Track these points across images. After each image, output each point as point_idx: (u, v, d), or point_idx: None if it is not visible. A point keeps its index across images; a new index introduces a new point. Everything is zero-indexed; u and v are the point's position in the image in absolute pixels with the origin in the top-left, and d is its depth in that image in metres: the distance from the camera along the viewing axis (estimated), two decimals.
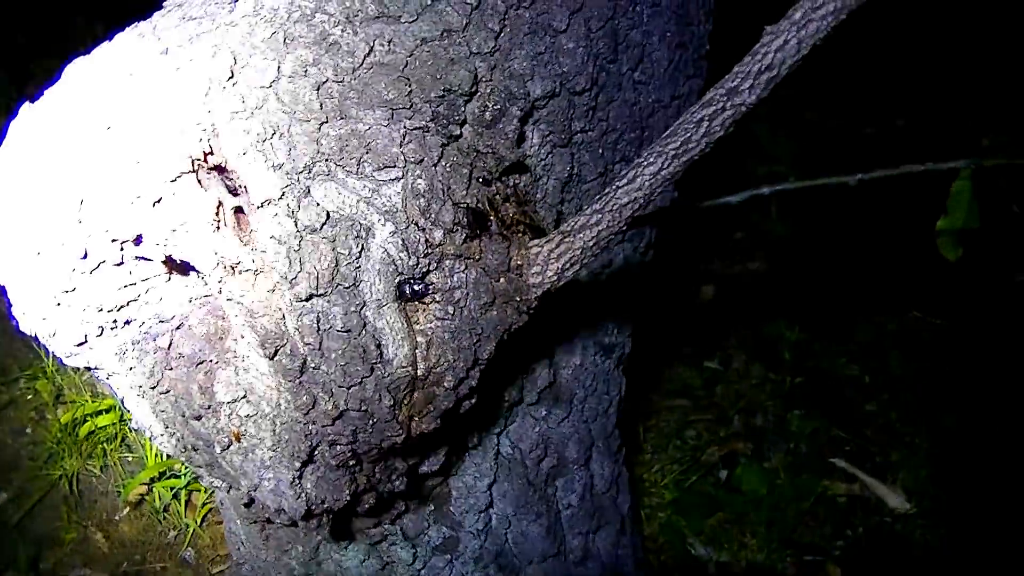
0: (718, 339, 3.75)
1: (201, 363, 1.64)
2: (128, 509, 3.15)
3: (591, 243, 1.52)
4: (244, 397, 1.60)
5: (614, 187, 1.46)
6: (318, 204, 1.44)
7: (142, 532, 3.08)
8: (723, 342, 3.77)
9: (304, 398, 1.52)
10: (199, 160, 1.45)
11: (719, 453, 3.48)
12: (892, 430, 3.54)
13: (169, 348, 1.65)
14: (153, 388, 1.67)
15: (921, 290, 3.82)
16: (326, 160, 1.46)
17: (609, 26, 1.82)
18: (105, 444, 3.22)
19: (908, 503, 3.43)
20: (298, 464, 1.57)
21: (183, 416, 1.67)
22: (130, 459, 3.26)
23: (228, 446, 1.65)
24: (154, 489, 3.13)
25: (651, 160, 1.40)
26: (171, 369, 1.65)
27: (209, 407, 1.64)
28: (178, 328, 1.65)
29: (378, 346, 1.50)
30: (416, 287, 1.52)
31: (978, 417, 3.51)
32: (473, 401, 1.69)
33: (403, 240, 1.48)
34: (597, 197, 1.50)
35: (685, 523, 3.15)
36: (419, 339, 1.55)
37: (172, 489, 3.10)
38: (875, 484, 3.50)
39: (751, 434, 3.52)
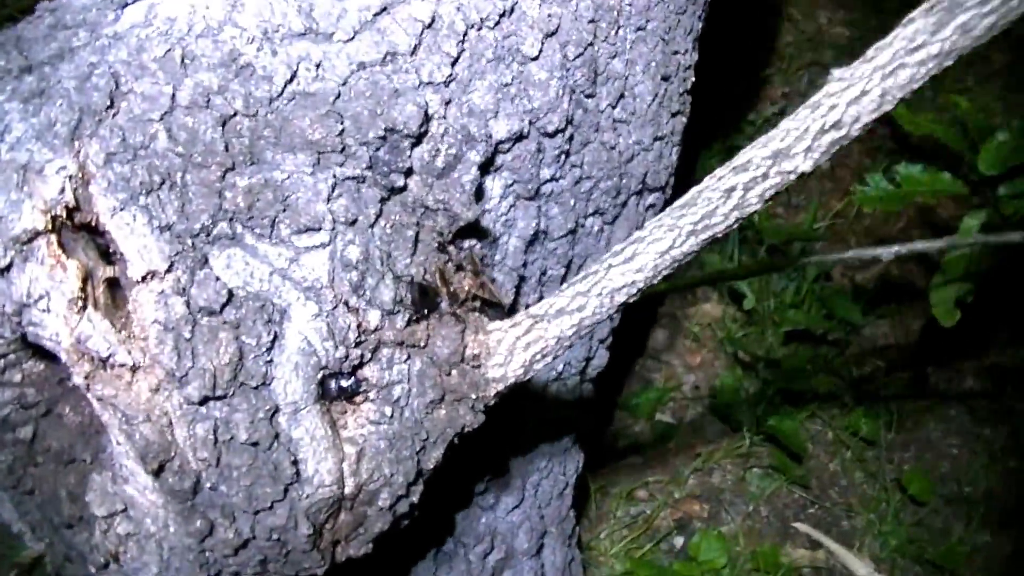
0: (670, 391, 3.44)
1: (72, 462, 1.29)
2: None
3: (570, 333, 1.19)
4: (124, 511, 1.24)
5: (604, 265, 1.14)
6: (218, 279, 1.10)
7: None
8: (676, 394, 3.46)
9: (199, 523, 1.17)
10: (61, 217, 1.09)
11: (673, 517, 3.18)
12: (858, 492, 3.25)
13: (33, 440, 1.29)
14: (14, 487, 1.31)
15: (888, 337, 3.56)
16: (231, 219, 1.13)
17: (588, 53, 1.50)
18: None
19: (877, 574, 3.16)
20: None
21: (52, 523, 1.32)
22: None
23: (105, 566, 1.29)
24: None
25: (658, 235, 1.07)
26: (36, 466, 1.30)
27: (81, 518, 1.28)
28: (45, 416, 1.29)
29: (294, 461, 1.16)
30: (344, 384, 1.19)
31: (951, 480, 3.24)
32: (416, 515, 1.35)
33: (328, 325, 1.15)
34: (581, 275, 1.18)
35: None
36: (347, 449, 1.21)
37: None
38: (841, 552, 3.25)
39: (707, 495, 3.22)
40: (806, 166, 0.97)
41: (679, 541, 3.11)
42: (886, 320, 3.56)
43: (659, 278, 1.11)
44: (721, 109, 3.82)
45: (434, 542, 1.80)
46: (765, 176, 0.99)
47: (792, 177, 0.98)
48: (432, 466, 1.29)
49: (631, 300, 1.15)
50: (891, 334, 3.56)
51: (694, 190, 1.05)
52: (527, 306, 1.52)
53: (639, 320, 3.53)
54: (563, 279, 1.69)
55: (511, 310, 1.55)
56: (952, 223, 3.62)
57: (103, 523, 1.26)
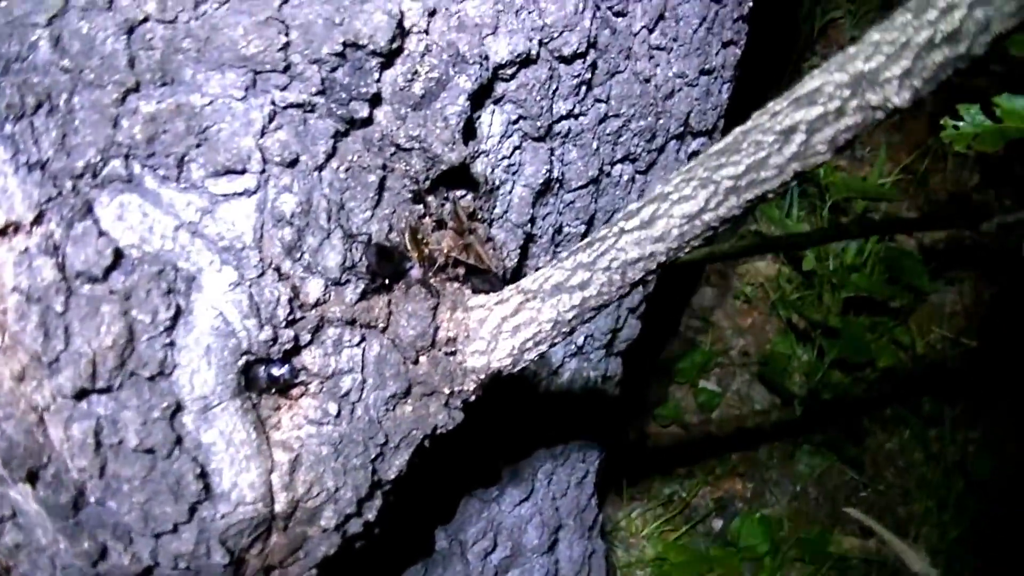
0: (716, 355, 3.15)
1: None
2: None
3: (570, 316, 0.90)
4: (12, 517, 0.98)
5: (615, 229, 0.84)
6: (103, 233, 0.83)
7: None
8: (722, 359, 3.17)
9: (86, 545, 0.91)
10: None
11: (712, 496, 2.93)
12: (916, 474, 2.95)
13: None
14: None
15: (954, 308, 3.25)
16: (126, 156, 0.85)
17: None
18: None
19: (933, 569, 2.90)
20: None
21: None
22: None
23: None
24: None
25: (686, 192, 0.78)
26: None
27: None
28: None
29: (201, 473, 0.88)
30: (276, 372, 0.91)
31: (1018, 467, 2.94)
32: (376, 532, 1.07)
33: (251, 297, 0.86)
34: (586, 242, 0.88)
35: None
36: (278, 456, 0.94)
37: None
38: (895, 542, 2.98)
39: (751, 472, 2.95)
40: (902, 98, 0.66)
41: (718, 524, 2.90)
42: (955, 286, 3.24)
43: (687, 249, 0.82)
44: (781, 49, 3.47)
45: (425, 541, 1.53)
46: (840, 113, 0.68)
47: (879, 116, 0.68)
48: (394, 476, 1.02)
49: (650, 277, 0.85)
50: (960, 301, 3.24)
51: (738, 130, 0.75)
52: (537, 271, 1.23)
53: (684, 273, 3.23)
54: (583, 238, 1.39)
55: (515, 278, 1.26)
56: None
57: None
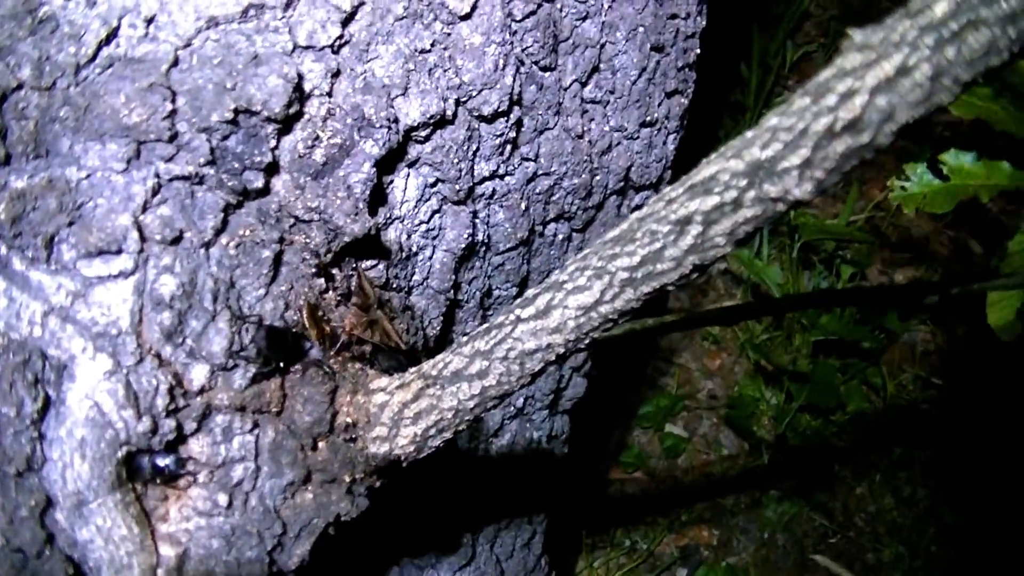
0: (683, 398, 3.09)
1: None
2: None
3: (471, 404, 0.84)
4: None
5: (512, 317, 0.79)
6: None
7: None
8: (689, 402, 3.11)
9: None
10: None
11: (677, 544, 2.87)
12: (887, 520, 2.92)
13: None
14: None
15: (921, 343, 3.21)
16: None
17: (544, 11, 1.14)
18: None
19: None
20: None
21: None
22: None
23: None
24: None
25: (580, 282, 0.72)
26: None
27: None
28: None
29: (74, 574, 0.82)
30: (160, 463, 0.85)
31: (990, 512, 2.89)
32: None
33: (127, 385, 0.80)
34: (484, 328, 0.82)
35: None
36: (165, 551, 0.87)
37: None
38: None
39: (717, 519, 2.90)
40: (803, 191, 0.61)
41: (682, 573, 2.83)
42: (927, 326, 3.20)
43: (587, 341, 0.76)
44: (741, 87, 3.44)
45: None
46: (737, 204, 0.63)
47: (779, 208, 0.62)
48: (296, 565, 0.95)
49: (551, 367, 0.80)
50: (932, 341, 3.21)
51: (634, 217, 0.69)
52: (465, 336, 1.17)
53: (649, 312, 3.18)
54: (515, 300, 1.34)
55: (439, 346, 1.20)
56: (1004, 219, 3.24)
57: None
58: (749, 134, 0.63)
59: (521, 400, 1.51)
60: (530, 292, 0.78)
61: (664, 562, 2.82)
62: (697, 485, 3.00)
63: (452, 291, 1.21)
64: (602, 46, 1.29)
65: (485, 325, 0.83)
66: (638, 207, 1.46)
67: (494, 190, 1.21)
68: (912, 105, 0.57)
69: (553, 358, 0.78)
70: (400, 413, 0.90)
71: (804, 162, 0.60)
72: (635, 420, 3.05)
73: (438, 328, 1.21)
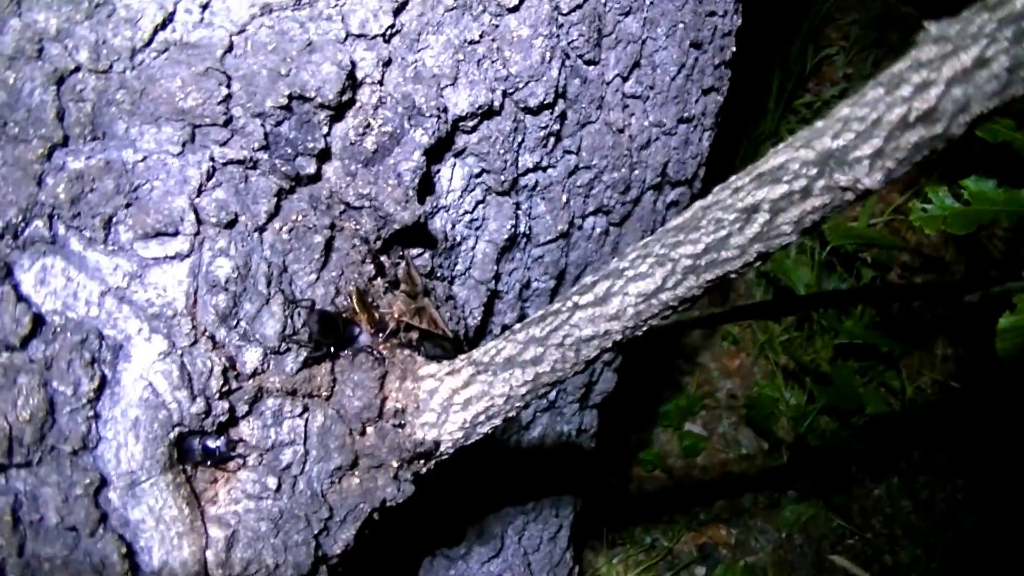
0: (702, 398, 3.09)
1: None
2: None
3: (523, 391, 0.84)
4: None
5: (569, 304, 0.79)
6: (22, 299, 0.77)
7: None
8: (709, 401, 3.11)
9: None
10: None
11: (696, 543, 2.87)
12: (904, 522, 2.91)
13: None
14: None
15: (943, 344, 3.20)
16: (51, 216, 0.79)
17: (590, 6, 1.14)
18: None
19: None
20: None
21: None
22: None
23: None
24: None
25: (642, 269, 0.72)
26: None
27: None
28: None
29: (126, 553, 0.82)
30: (212, 444, 0.85)
31: (1008, 516, 2.88)
32: None
33: (182, 367, 0.80)
34: (539, 315, 0.83)
35: None
36: (214, 532, 0.88)
37: None
38: None
39: (736, 519, 2.89)
40: (873, 180, 0.61)
41: (700, 572, 2.83)
42: (947, 331, 3.20)
43: (645, 328, 0.76)
44: (768, 89, 3.43)
45: None
46: (806, 193, 0.63)
47: (849, 197, 0.62)
48: (340, 551, 0.96)
49: (606, 353, 0.80)
50: (951, 345, 3.20)
51: (698, 205, 0.70)
52: (504, 328, 1.17)
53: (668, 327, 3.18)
54: (553, 294, 1.34)
55: (479, 336, 1.20)
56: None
57: None
58: (819, 124, 0.64)
59: (554, 394, 1.52)
60: (587, 279, 0.78)
61: (683, 560, 2.82)
62: (715, 484, 3.00)
63: (493, 281, 1.22)
64: (643, 42, 1.29)
65: (539, 313, 0.83)
66: (674, 203, 1.47)
67: (537, 182, 1.22)
68: (987, 96, 0.57)
69: (609, 345, 0.78)
70: (450, 399, 0.90)
71: (876, 152, 0.60)
72: (655, 419, 3.05)
73: (479, 318, 1.21)
